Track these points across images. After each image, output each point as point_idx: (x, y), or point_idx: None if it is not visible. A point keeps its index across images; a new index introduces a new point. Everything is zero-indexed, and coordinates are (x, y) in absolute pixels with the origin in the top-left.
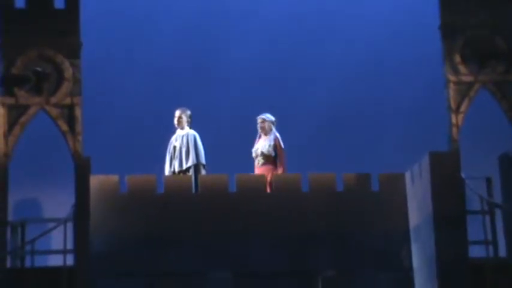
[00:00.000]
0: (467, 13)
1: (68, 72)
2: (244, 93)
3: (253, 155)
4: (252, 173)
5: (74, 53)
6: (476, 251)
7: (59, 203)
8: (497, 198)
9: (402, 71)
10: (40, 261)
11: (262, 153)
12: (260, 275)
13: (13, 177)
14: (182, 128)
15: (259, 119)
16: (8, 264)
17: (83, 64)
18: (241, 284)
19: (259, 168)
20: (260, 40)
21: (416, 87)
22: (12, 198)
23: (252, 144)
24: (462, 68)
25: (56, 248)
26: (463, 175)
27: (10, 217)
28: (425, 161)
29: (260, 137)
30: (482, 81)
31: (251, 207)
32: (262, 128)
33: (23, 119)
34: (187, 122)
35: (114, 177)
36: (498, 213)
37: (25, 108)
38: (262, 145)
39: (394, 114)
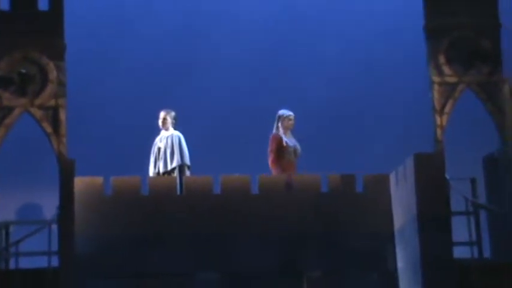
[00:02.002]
0: (452, 14)
1: (53, 74)
2: (230, 94)
3: (291, 149)
4: (235, 174)
5: (58, 54)
6: (461, 252)
7: (44, 205)
8: (482, 199)
9: (387, 72)
10: (25, 263)
11: (299, 152)
12: (247, 275)
13: (1, 179)
14: (167, 129)
15: (290, 115)
16: None
17: (68, 66)
18: (228, 284)
19: (291, 162)
20: (247, 40)
21: (401, 88)
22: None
23: (234, 146)
24: (447, 69)
25: (41, 250)
26: (447, 176)
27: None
28: (410, 162)
29: (280, 132)
30: (467, 82)
31: (236, 208)
32: (292, 126)
33: (7, 121)
34: (172, 123)
35: (99, 179)
36: (483, 214)
37: (9, 110)
38: (298, 145)
39: (379, 116)
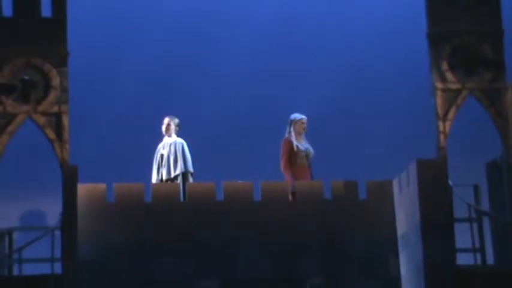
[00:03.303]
0: (454, 21)
1: (56, 80)
2: (232, 101)
3: (303, 153)
4: (238, 181)
5: (61, 61)
6: (464, 259)
7: (47, 211)
8: (485, 205)
9: (390, 78)
10: (28, 270)
11: (311, 155)
12: (248, 283)
13: (4, 185)
14: (170, 136)
15: (303, 119)
16: None
17: (71, 72)
18: None
19: (304, 166)
20: (246, 48)
21: (404, 94)
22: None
23: (241, 151)
24: (449, 76)
25: (44, 256)
26: (450, 183)
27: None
28: (413, 169)
29: (292, 137)
30: (470, 88)
31: (239, 215)
32: (304, 129)
33: (10, 128)
34: (175, 130)
35: (102, 186)
36: (486, 221)
37: (12, 116)
38: (310, 148)
39: (382, 122)
